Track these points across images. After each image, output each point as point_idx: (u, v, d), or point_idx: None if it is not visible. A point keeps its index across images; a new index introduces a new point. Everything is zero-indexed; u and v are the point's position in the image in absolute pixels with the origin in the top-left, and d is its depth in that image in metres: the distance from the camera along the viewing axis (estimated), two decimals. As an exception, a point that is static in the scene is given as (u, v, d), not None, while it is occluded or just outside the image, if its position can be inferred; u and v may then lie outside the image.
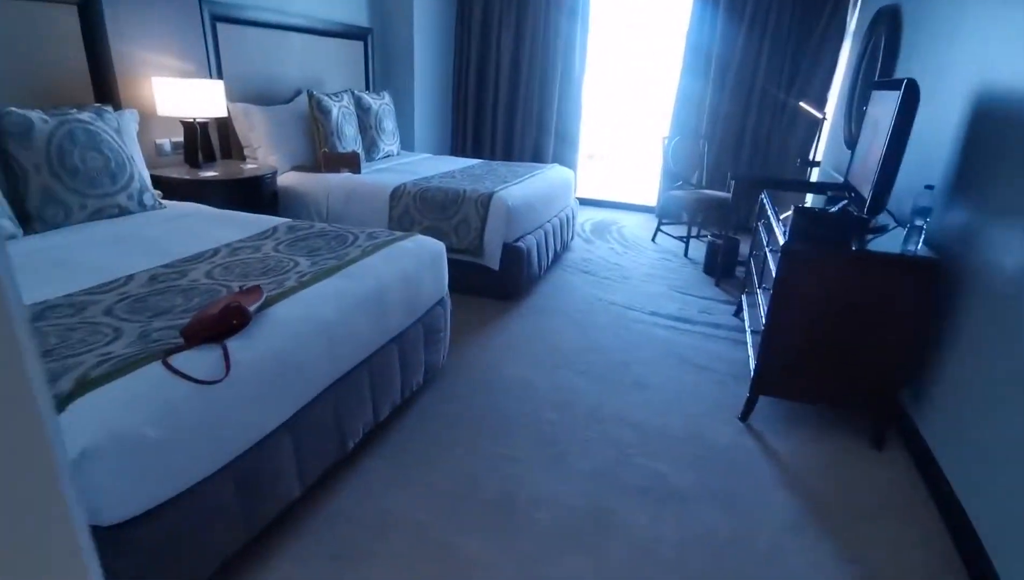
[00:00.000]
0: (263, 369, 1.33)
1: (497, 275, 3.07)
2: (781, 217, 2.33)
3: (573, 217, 4.15)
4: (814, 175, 4.17)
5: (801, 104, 4.08)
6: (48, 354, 1.18)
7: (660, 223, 4.51)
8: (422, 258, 2.10)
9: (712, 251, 3.76)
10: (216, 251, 1.94)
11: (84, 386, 1.06)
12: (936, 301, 1.92)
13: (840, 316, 1.93)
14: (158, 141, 2.98)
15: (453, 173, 3.62)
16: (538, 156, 5.33)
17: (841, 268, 1.90)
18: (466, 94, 5.32)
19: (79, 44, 2.53)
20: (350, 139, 3.66)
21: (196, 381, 1.16)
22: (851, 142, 3.47)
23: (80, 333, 1.29)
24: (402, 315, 1.94)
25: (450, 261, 3.07)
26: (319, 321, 1.52)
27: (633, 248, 4.29)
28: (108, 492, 1.02)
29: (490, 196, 3.03)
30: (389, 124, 4.13)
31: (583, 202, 5.53)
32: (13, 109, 2.02)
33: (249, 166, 3.17)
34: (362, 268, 1.83)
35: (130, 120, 2.58)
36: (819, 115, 3.91)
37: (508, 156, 5.37)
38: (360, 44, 4.42)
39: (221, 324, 1.26)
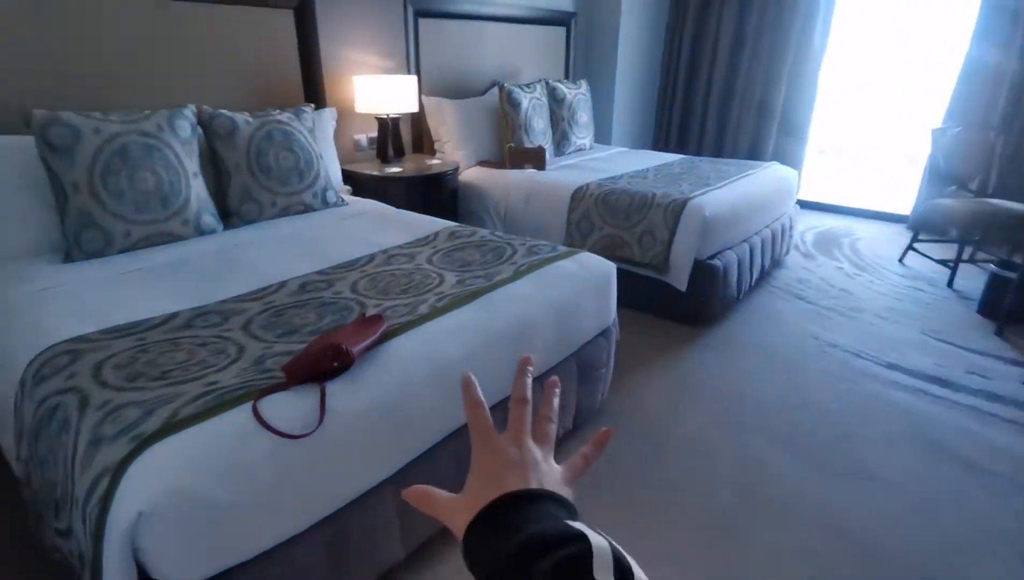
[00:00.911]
0: (366, 418, 1.15)
1: (683, 295, 2.60)
2: None
3: (791, 227, 3.42)
4: None
5: None
6: (163, 377, 1.13)
7: (915, 239, 3.51)
8: (585, 283, 1.77)
9: (996, 284, 2.76)
10: (372, 258, 1.86)
11: (167, 429, 0.97)
12: None
13: None
14: (356, 137, 3.10)
15: (646, 172, 3.20)
16: (755, 152, 4.57)
17: None
18: (675, 79, 4.76)
19: (293, 46, 2.69)
20: (539, 133, 3.46)
21: (282, 435, 1.01)
22: None
23: (207, 351, 1.25)
24: (550, 351, 1.65)
25: (628, 273, 2.71)
26: (441, 362, 1.30)
27: (871, 270, 3.40)
28: (171, 555, 0.92)
29: (683, 203, 2.56)
30: (583, 116, 3.83)
31: (806, 205, 4.63)
32: (223, 112, 2.18)
33: (433, 162, 3.15)
34: (508, 294, 1.58)
35: (328, 118, 2.68)
36: None
37: (719, 152, 4.70)
38: (562, 30, 4.18)
39: (321, 364, 1.10)
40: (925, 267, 3.41)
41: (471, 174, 3.29)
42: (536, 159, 3.27)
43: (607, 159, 3.62)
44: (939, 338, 2.58)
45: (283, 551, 1.06)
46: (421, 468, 1.30)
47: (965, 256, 3.26)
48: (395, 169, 2.91)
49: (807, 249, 3.75)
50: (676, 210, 2.55)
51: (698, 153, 4.73)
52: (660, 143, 4.94)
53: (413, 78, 2.94)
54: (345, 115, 2.93)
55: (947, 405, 2.08)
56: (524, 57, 3.93)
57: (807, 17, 4.17)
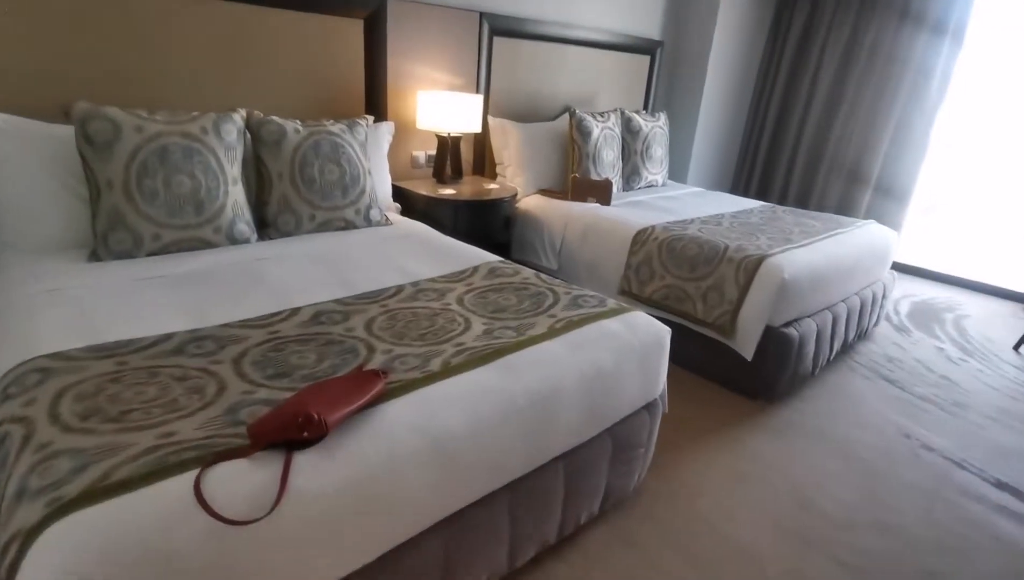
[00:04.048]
0: (336, 500, 0.96)
1: (749, 364, 2.29)
2: None
3: (884, 296, 3.01)
4: None
5: None
6: (120, 418, 0.99)
7: (1036, 326, 3.01)
8: (631, 350, 1.52)
9: None
10: (400, 289, 1.70)
11: (90, 495, 0.81)
12: None
13: None
14: (414, 153, 2.99)
15: (721, 218, 2.90)
16: (847, 204, 4.14)
17: None
18: (763, 122, 4.42)
19: (360, 57, 2.61)
20: (607, 165, 3.23)
21: (223, 520, 0.83)
22: None
23: (182, 387, 1.11)
24: (580, 425, 1.42)
25: (688, 331, 2.43)
26: (439, 435, 1.10)
27: (980, 356, 2.93)
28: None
29: (759, 261, 2.25)
30: (659, 150, 3.58)
31: (903, 269, 4.14)
32: (274, 118, 2.10)
33: (492, 186, 2.99)
34: (537, 355, 1.36)
35: (384, 132, 2.58)
36: None
37: (804, 203, 4.30)
38: (646, 59, 3.95)
39: (288, 433, 0.92)
40: (1047, 361, 2.90)
41: (530, 202, 3.11)
42: (601, 192, 3.04)
43: (679, 199, 3.34)
44: (1064, 456, 2.13)
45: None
46: (401, 559, 1.09)
47: (1101, 355, 2.74)
48: (449, 191, 2.76)
49: (900, 321, 3.30)
50: (750, 268, 2.25)
51: (781, 202, 4.35)
52: (740, 187, 4.59)
53: (479, 98, 2.80)
54: (405, 130, 2.83)
55: (1074, 551, 1.67)
56: (602, 84, 3.73)
57: (920, 73, 3.73)
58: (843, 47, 3.99)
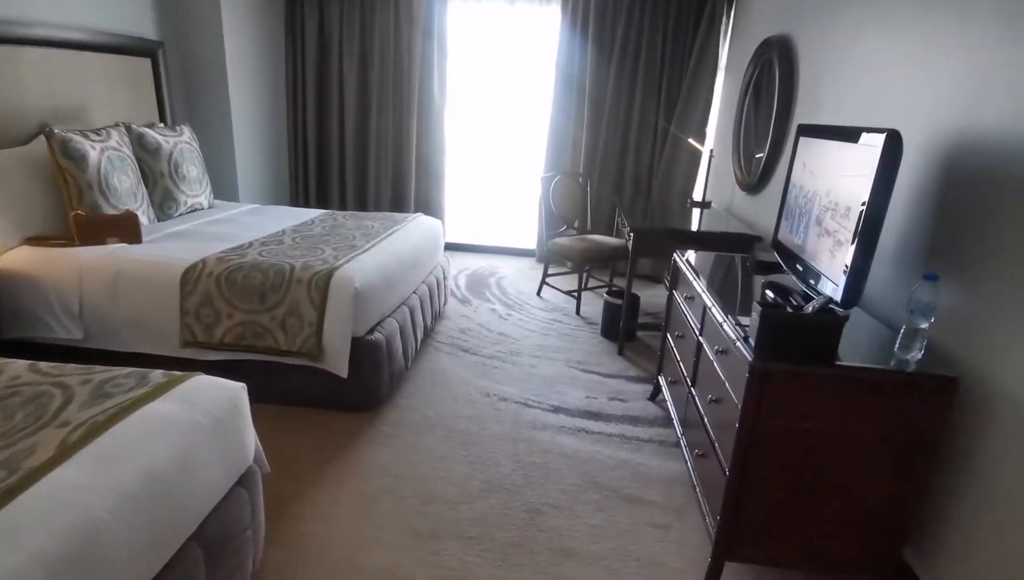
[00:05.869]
0: None
1: (346, 380, 2.22)
2: (698, 280, 1.78)
3: (445, 276, 3.41)
4: (704, 216, 3.85)
5: (691, 141, 3.74)
6: None
7: (545, 273, 3.93)
8: (197, 429, 1.22)
9: (609, 311, 3.22)
10: None
11: None
12: (949, 431, 1.44)
13: (832, 454, 1.39)
14: None
15: (282, 235, 2.72)
16: (399, 198, 4.54)
17: (831, 390, 1.36)
18: (304, 127, 4.40)
19: None
20: (125, 194, 2.61)
21: None
22: (748, 185, 3.14)
23: None
24: (144, 558, 1.05)
25: (277, 365, 2.20)
26: None
27: (518, 307, 3.65)
28: None
29: (329, 274, 2.19)
30: (193, 169, 3.11)
31: (455, 248, 4.83)
32: None
33: (-69, 248, 2.03)
34: (42, 502, 0.93)
35: None
36: (705, 151, 3.58)
37: (363, 202, 4.51)
38: (147, 62, 3.35)
39: None
40: (557, 298, 3.84)
41: (16, 258, 2.26)
42: (124, 229, 2.45)
43: (233, 220, 3.00)
44: (583, 368, 2.84)
45: None
46: None
47: (583, 285, 3.78)
48: None
49: (462, 293, 3.83)
50: (321, 283, 2.16)
51: (343, 205, 4.46)
52: (299, 199, 4.49)
53: None
54: None
55: (604, 440, 2.23)
56: (93, 94, 2.97)
57: (424, 73, 4.33)
58: (358, 52, 4.26)
